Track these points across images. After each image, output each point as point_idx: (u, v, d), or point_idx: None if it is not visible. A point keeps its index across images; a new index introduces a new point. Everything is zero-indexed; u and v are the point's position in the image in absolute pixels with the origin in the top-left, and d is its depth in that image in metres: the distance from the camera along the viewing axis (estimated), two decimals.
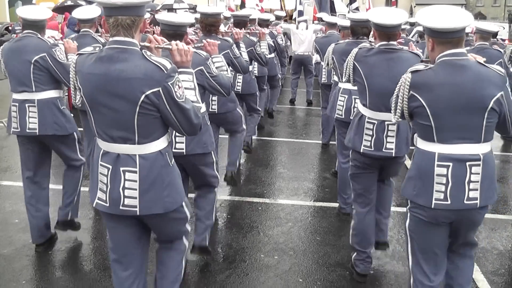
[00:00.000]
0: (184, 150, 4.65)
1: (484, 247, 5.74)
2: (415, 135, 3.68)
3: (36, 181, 5.29)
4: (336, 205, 6.74)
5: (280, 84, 12.85)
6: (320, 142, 9.88)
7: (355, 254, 5.04)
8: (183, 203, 3.55)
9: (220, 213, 6.46)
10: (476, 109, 3.37)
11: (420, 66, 3.51)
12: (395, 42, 4.61)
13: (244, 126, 6.87)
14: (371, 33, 6.19)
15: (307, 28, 13.40)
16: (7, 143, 9.45)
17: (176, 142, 4.61)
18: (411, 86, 3.46)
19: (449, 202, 3.45)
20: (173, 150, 4.49)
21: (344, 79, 4.92)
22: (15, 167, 7.76)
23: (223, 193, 6.97)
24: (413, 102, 3.48)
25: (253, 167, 8.48)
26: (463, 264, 3.83)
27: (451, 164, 3.43)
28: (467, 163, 3.42)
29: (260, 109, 8.83)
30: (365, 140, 4.70)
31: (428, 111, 3.42)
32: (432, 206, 3.49)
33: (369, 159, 4.76)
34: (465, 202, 3.45)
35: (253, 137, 9.82)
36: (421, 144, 3.57)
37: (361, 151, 4.73)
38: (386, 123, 4.59)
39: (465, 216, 3.53)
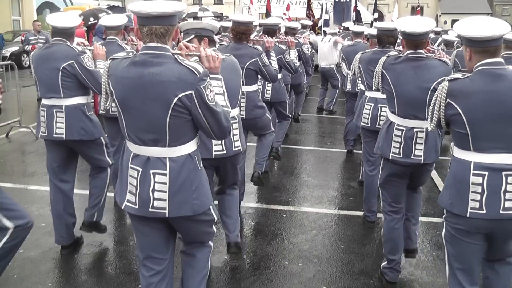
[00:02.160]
0: (225, 152, 4.82)
1: None
2: (452, 144, 3.66)
3: (61, 185, 5.35)
4: (360, 213, 6.71)
5: (305, 91, 12.87)
6: (345, 150, 9.86)
7: (385, 262, 5.02)
8: (211, 206, 3.58)
9: (245, 220, 6.47)
10: None
11: (458, 75, 3.52)
12: (422, 51, 4.59)
13: (273, 128, 6.88)
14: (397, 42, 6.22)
15: (329, 41, 13.46)
16: (34, 148, 9.59)
17: (214, 144, 4.76)
18: (448, 94, 3.47)
19: (484, 211, 3.42)
20: (215, 152, 4.77)
21: (374, 87, 4.93)
22: (42, 172, 7.84)
23: (248, 201, 6.97)
24: (450, 110, 3.48)
25: (278, 175, 8.47)
26: (503, 269, 3.76)
27: (487, 173, 3.40)
28: (503, 173, 3.39)
29: (290, 115, 8.86)
30: (393, 147, 4.70)
31: (465, 119, 3.41)
32: (468, 215, 3.46)
33: (398, 166, 4.74)
34: (501, 212, 3.41)
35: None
36: (457, 152, 3.56)
37: (390, 158, 4.72)
38: (415, 130, 4.59)
39: (502, 226, 3.48)
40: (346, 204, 7.25)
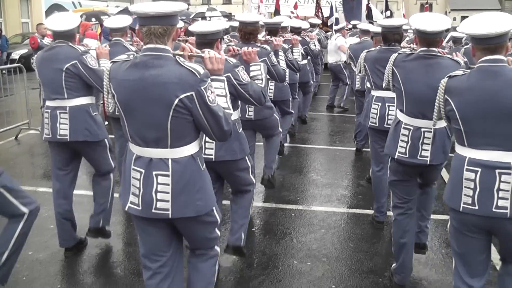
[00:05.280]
0: (213, 157, 4.68)
1: None
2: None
3: (64, 187, 5.36)
4: (369, 212, 6.69)
5: (313, 91, 12.84)
6: (354, 149, 9.85)
7: (394, 264, 4.99)
8: (214, 207, 3.57)
9: (253, 219, 6.46)
10: (504, 116, 3.34)
11: (459, 72, 3.55)
12: (435, 49, 4.53)
13: (280, 129, 6.86)
14: (406, 39, 6.14)
15: (335, 39, 13.54)
16: (43, 150, 9.61)
17: (205, 148, 4.63)
18: (445, 90, 3.54)
19: (476, 207, 3.44)
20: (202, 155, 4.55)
21: (384, 85, 4.88)
22: (51, 174, 7.84)
23: (257, 200, 6.96)
24: (447, 106, 3.55)
25: (287, 174, 8.46)
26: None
27: (479, 169, 3.42)
28: (497, 171, 3.39)
29: (292, 111, 8.84)
30: (400, 146, 4.64)
31: (457, 115, 3.46)
32: (460, 210, 3.49)
33: (404, 166, 4.69)
34: (493, 210, 3.40)
35: (286, 144, 9.82)
36: (457, 148, 3.60)
37: (396, 157, 4.67)
38: (422, 130, 4.52)
39: (497, 225, 3.46)
40: (355, 203, 7.24)
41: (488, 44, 3.39)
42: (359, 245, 5.85)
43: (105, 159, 5.44)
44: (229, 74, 4.47)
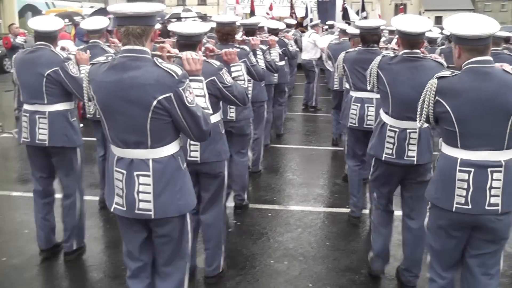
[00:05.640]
0: (198, 158, 4.64)
1: None
2: (440, 140, 3.68)
3: (44, 190, 5.30)
4: (346, 210, 6.72)
5: (286, 98, 12.77)
6: (330, 148, 9.92)
7: (371, 253, 5.04)
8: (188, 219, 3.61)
9: (230, 219, 6.45)
10: (500, 116, 3.38)
11: (447, 72, 3.54)
12: (418, 50, 4.58)
13: (250, 154, 6.79)
14: (382, 40, 6.17)
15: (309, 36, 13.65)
16: (17, 153, 9.52)
17: (191, 150, 4.61)
18: (437, 91, 3.50)
19: (470, 206, 3.47)
20: (188, 158, 4.51)
21: (369, 87, 4.90)
22: (25, 178, 7.78)
23: (232, 201, 6.93)
24: (439, 108, 3.52)
25: (263, 174, 8.46)
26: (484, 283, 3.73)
27: (473, 169, 3.45)
28: (489, 169, 3.44)
29: (262, 131, 8.23)
30: (387, 148, 4.68)
31: (453, 117, 3.45)
32: (453, 210, 3.51)
33: (391, 166, 4.74)
34: (486, 207, 3.46)
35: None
36: (445, 149, 3.60)
37: (383, 159, 4.71)
38: (408, 131, 4.57)
39: (485, 222, 3.51)
40: (331, 202, 7.28)
41: (477, 45, 3.41)
42: (336, 243, 5.88)
43: (73, 173, 5.30)
44: (214, 77, 4.46)
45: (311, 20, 18.00)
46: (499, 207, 3.46)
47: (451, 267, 3.76)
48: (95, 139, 6.76)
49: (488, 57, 3.45)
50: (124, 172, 3.36)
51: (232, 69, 4.80)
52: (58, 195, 5.48)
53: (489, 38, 3.44)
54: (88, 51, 5.65)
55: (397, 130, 4.62)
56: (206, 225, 4.87)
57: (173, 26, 4.58)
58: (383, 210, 4.95)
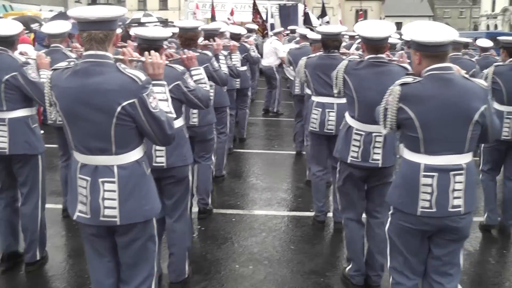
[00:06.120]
0: (164, 164, 4.62)
1: None
2: (401, 145, 3.72)
3: (6, 199, 5.17)
4: (309, 214, 6.77)
5: (249, 102, 12.84)
6: (293, 152, 9.96)
7: (349, 266, 5.03)
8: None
9: (194, 225, 6.42)
10: (462, 122, 3.46)
11: (409, 79, 3.57)
12: (383, 55, 4.64)
13: (213, 158, 6.79)
14: (342, 45, 6.22)
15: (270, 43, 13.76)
16: None
17: (156, 156, 4.59)
18: (400, 98, 3.52)
19: (434, 210, 3.53)
20: (154, 164, 4.50)
21: (335, 92, 4.92)
22: None
23: (197, 205, 6.90)
24: (402, 114, 3.54)
25: (227, 179, 8.46)
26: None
27: (436, 174, 3.51)
28: (451, 173, 3.51)
29: (227, 132, 8.35)
30: (352, 151, 4.72)
31: (417, 123, 3.49)
32: (418, 214, 3.56)
33: (356, 169, 4.78)
34: (449, 209, 3.53)
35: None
36: (407, 154, 3.63)
37: (349, 161, 4.75)
38: (373, 134, 4.61)
39: (448, 223, 3.58)
40: (295, 205, 7.32)
41: (438, 51, 3.47)
42: (300, 246, 5.91)
43: (33, 181, 5.17)
44: (179, 82, 4.46)
45: (272, 25, 18.09)
46: (462, 208, 3.54)
47: (418, 269, 3.77)
48: (56, 145, 6.65)
49: (448, 64, 3.51)
50: (88, 179, 3.32)
51: (193, 73, 4.81)
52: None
53: (449, 45, 3.52)
54: (48, 57, 5.53)
55: (363, 133, 4.67)
56: (171, 231, 4.83)
57: (136, 30, 4.57)
58: (353, 222, 4.94)
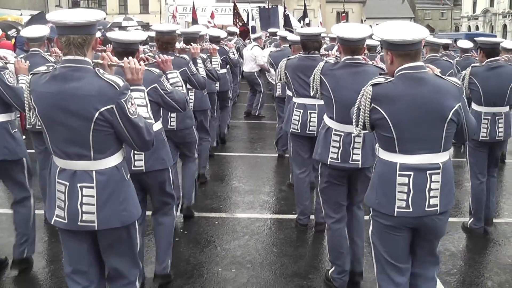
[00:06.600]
0: (143, 168, 4.62)
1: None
2: (376, 145, 3.74)
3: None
4: (292, 216, 6.78)
5: (233, 100, 12.89)
6: (275, 155, 9.97)
7: (332, 269, 5.04)
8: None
9: (177, 228, 6.40)
10: (436, 121, 3.48)
11: (381, 79, 3.58)
12: (360, 56, 4.67)
13: (196, 155, 6.81)
14: (323, 47, 6.24)
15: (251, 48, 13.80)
16: None
17: (135, 160, 4.58)
18: (372, 98, 3.53)
19: (411, 209, 3.54)
20: (133, 168, 4.50)
21: (312, 93, 4.94)
22: None
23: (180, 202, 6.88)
24: (375, 115, 3.55)
25: (209, 182, 8.44)
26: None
27: (412, 173, 3.52)
28: (427, 172, 3.52)
29: (209, 136, 8.40)
30: (332, 152, 4.74)
31: (390, 123, 3.50)
32: (395, 214, 3.56)
33: (336, 171, 4.79)
34: (426, 209, 3.54)
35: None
36: (383, 154, 3.64)
37: (328, 163, 4.76)
38: (352, 135, 4.61)
39: (426, 222, 3.60)
40: (277, 208, 7.33)
41: (409, 50, 3.48)
42: (283, 249, 5.92)
43: (22, 181, 5.17)
44: (156, 84, 4.47)
45: (253, 28, 18.12)
46: (438, 208, 3.56)
47: (404, 271, 3.75)
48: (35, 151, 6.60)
49: (420, 63, 3.53)
50: (67, 183, 3.32)
51: (169, 76, 4.83)
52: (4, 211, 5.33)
53: (420, 43, 3.52)
54: (27, 61, 5.48)
55: (342, 134, 4.69)
56: (158, 223, 4.94)
57: (111, 34, 4.58)
58: (336, 225, 4.94)
